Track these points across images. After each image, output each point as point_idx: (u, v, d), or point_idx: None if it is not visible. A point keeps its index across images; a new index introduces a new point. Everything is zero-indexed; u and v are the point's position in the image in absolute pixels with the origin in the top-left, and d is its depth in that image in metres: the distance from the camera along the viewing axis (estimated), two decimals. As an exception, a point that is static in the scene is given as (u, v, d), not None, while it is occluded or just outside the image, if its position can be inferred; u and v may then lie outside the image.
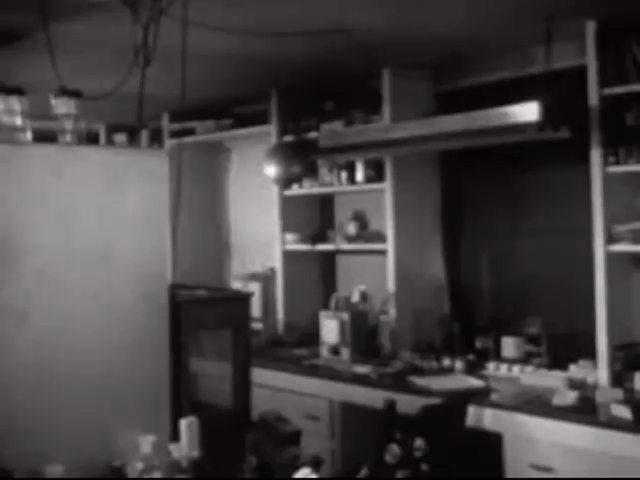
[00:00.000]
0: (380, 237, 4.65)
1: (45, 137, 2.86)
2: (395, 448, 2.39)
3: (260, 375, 3.73)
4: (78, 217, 2.71)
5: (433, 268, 4.71)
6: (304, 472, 2.40)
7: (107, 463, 2.59)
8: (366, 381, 4.09)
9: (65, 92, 2.87)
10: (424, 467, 2.35)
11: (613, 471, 2.99)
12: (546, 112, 3.36)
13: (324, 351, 4.63)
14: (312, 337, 4.82)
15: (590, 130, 3.55)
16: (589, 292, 3.61)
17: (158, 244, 2.91)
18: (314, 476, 2.40)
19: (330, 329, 4.60)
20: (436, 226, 4.73)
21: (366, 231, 4.90)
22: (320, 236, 5.11)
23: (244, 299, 3.24)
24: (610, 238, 3.55)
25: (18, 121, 2.78)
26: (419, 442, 2.38)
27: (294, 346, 4.93)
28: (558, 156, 3.98)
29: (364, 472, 2.44)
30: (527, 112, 3.41)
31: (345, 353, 4.50)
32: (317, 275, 5.35)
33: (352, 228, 4.90)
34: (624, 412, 3.15)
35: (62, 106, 2.86)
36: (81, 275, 2.69)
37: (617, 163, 3.51)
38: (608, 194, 3.55)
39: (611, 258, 3.56)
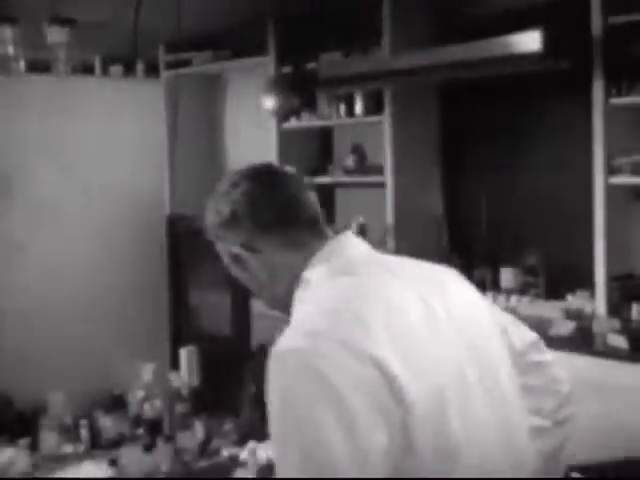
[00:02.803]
0: (379, 170, 4.62)
1: (39, 68, 2.82)
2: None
3: (259, 305, 3.74)
4: (74, 149, 2.70)
5: (432, 201, 4.70)
6: (303, 399, 2.42)
7: (108, 391, 2.62)
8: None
9: (59, 20, 2.83)
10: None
11: (610, 400, 3.02)
12: (548, 42, 3.30)
13: (322, 283, 4.63)
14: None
15: (592, 61, 3.50)
16: (588, 225, 3.61)
17: (155, 175, 2.91)
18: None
19: (327, 262, 4.60)
20: (435, 159, 4.69)
21: (365, 164, 4.87)
22: (319, 169, 5.08)
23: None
24: (610, 170, 3.53)
25: (10, 50, 2.75)
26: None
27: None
28: (559, 91, 3.93)
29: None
30: (529, 42, 3.36)
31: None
32: (316, 208, 5.33)
33: (351, 161, 4.87)
34: (620, 342, 3.18)
35: (56, 34, 2.82)
36: (78, 207, 2.69)
37: (619, 95, 3.47)
38: (609, 126, 3.51)
39: (610, 190, 3.55)
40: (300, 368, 1.39)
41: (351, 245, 1.62)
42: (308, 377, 1.37)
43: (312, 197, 1.65)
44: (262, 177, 1.66)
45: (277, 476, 1.40)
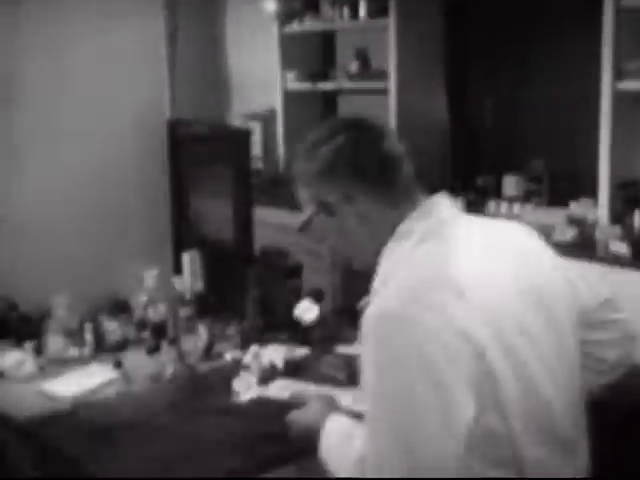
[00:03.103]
0: (383, 75, 4.55)
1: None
2: (395, 280, 2.41)
3: (261, 213, 3.73)
4: (72, 54, 2.64)
5: (436, 109, 4.64)
6: (305, 304, 2.45)
7: (112, 296, 2.64)
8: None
9: None
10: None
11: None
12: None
13: (325, 189, 4.62)
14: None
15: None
16: (593, 132, 3.57)
17: (156, 79, 2.86)
18: (315, 308, 2.45)
19: (331, 168, 4.57)
20: (440, 66, 4.61)
21: (369, 69, 4.79)
22: (321, 75, 5.00)
23: (244, 135, 3.20)
24: (618, 75, 3.47)
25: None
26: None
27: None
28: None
29: (365, 301, 2.47)
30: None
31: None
32: (318, 115, 5.27)
33: (354, 66, 4.78)
34: (622, 248, 3.18)
35: None
36: (78, 112, 2.65)
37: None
38: (618, 31, 3.43)
39: (618, 96, 3.49)
40: (396, 334, 1.41)
41: (445, 208, 1.63)
42: (403, 344, 1.41)
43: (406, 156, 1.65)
44: (365, 128, 1.65)
45: (368, 433, 1.45)
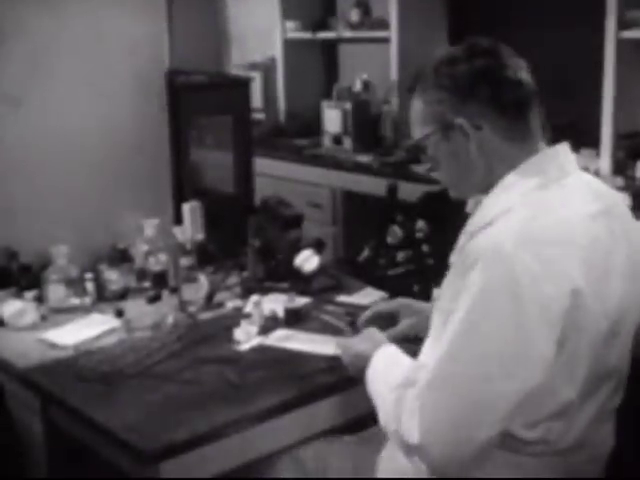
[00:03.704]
0: (384, 24, 4.50)
1: None
2: (396, 230, 2.41)
3: (262, 164, 3.72)
4: (70, 2, 2.60)
5: (438, 57, 4.59)
6: (306, 254, 2.44)
7: (112, 245, 2.63)
8: (368, 169, 4.10)
9: None
10: (425, 248, 2.39)
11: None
12: None
13: (326, 141, 4.60)
14: (314, 127, 4.78)
15: None
16: (596, 81, 3.54)
17: (154, 28, 2.82)
18: (316, 257, 2.45)
19: (332, 119, 4.55)
20: (442, 15, 4.55)
21: (369, 18, 4.73)
22: (321, 24, 4.94)
23: (244, 84, 3.17)
24: (622, 24, 3.42)
25: None
26: (420, 224, 2.40)
27: (296, 136, 4.89)
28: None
29: (366, 253, 2.48)
30: None
31: (347, 142, 4.48)
32: (319, 65, 5.23)
33: (355, 15, 4.72)
34: (625, 200, 3.17)
35: None
36: (74, 59, 2.61)
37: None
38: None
39: (621, 45, 3.45)
40: (502, 273, 1.42)
41: (567, 158, 1.61)
42: (504, 284, 1.41)
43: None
44: (504, 56, 1.60)
45: (440, 354, 1.47)
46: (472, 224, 1.57)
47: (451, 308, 1.49)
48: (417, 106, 1.63)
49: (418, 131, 1.64)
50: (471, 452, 1.45)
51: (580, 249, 1.47)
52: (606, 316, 1.51)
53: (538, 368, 1.43)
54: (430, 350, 1.61)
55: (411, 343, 1.87)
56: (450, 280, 1.57)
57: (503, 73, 1.56)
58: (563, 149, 1.62)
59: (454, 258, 1.62)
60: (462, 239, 1.60)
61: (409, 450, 1.48)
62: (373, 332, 1.86)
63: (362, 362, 1.73)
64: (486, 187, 1.58)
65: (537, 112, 1.61)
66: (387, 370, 1.65)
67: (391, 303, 2.10)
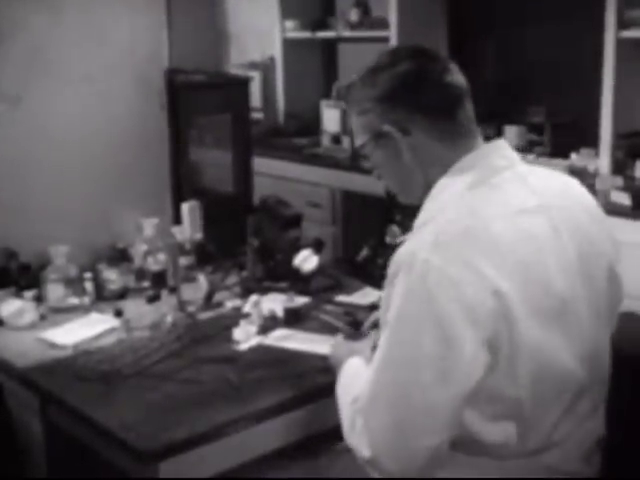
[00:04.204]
0: (383, 24, 4.49)
1: None
2: (395, 229, 2.41)
3: (261, 164, 3.72)
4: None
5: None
6: (305, 253, 2.44)
7: (111, 245, 2.63)
8: (367, 169, 4.09)
9: None
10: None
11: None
12: None
13: (325, 140, 4.60)
14: (313, 126, 4.78)
15: None
16: (595, 81, 3.54)
17: (153, 26, 2.82)
18: (315, 257, 2.45)
19: (331, 118, 4.55)
20: (440, 14, 4.55)
21: (369, 17, 4.73)
22: (321, 23, 4.94)
23: (243, 83, 3.17)
24: (622, 24, 3.43)
25: None
26: (419, 223, 2.40)
27: (295, 135, 4.90)
28: None
29: (365, 253, 2.48)
30: None
31: (346, 142, 4.48)
32: (318, 64, 5.23)
33: (354, 14, 4.72)
34: (623, 198, 3.18)
35: None
36: (74, 57, 2.61)
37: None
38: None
39: (621, 44, 3.45)
40: (421, 280, 1.40)
41: (502, 155, 1.57)
42: (424, 291, 1.40)
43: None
44: (429, 58, 1.58)
45: (371, 372, 1.48)
46: (411, 231, 1.57)
47: (385, 319, 1.49)
48: (352, 116, 1.65)
49: (357, 140, 1.66)
50: (422, 459, 1.43)
51: (502, 249, 1.43)
52: (545, 314, 1.46)
53: (470, 370, 1.40)
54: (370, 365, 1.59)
55: None
56: (384, 291, 1.54)
57: (427, 76, 1.56)
58: (498, 145, 1.60)
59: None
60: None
61: (365, 463, 1.48)
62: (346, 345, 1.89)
63: (336, 365, 1.77)
64: (427, 190, 1.58)
65: (469, 111, 1.59)
66: (347, 384, 1.66)
67: None
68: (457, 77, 1.59)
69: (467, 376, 1.40)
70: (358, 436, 1.47)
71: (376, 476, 1.50)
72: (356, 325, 2.18)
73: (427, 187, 1.57)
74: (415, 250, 1.42)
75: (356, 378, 1.65)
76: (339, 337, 1.98)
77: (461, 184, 1.52)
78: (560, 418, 1.53)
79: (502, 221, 1.46)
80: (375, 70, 1.58)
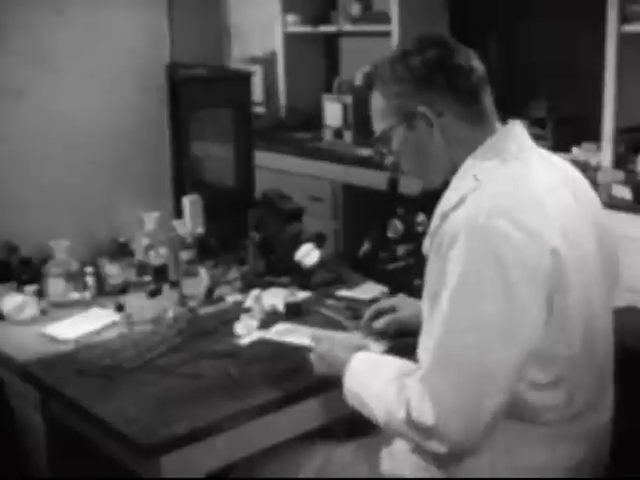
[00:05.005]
0: (385, 18, 4.49)
1: None
2: (397, 223, 2.41)
3: (263, 158, 3.72)
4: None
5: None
6: (306, 248, 2.44)
7: (112, 239, 2.63)
8: (368, 163, 4.09)
9: None
10: (425, 242, 2.38)
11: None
12: None
13: (327, 134, 4.60)
14: (315, 121, 4.77)
15: None
16: (597, 75, 3.53)
17: (155, 21, 2.81)
18: (316, 251, 2.45)
19: (333, 113, 4.55)
20: (443, 8, 4.54)
21: (370, 12, 4.72)
22: (322, 17, 4.93)
23: (244, 78, 3.17)
24: (624, 18, 3.42)
25: None
26: (421, 217, 2.39)
27: (296, 130, 4.89)
28: None
29: (366, 247, 2.48)
30: None
31: (348, 136, 4.48)
32: (319, 58, 5.22)
33: (355, 8, 4.72)
34: (625, 192, 3.17)
35: None
36: (76, 52, 2.61)
37: None
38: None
39: (623, 39, 3.45)
40: (483, 247, 1.47)
41: (522, 134, 1.68)
42: (488, 257, 1.46)
43: None
44: (455, 46, 1.68)
45: (438, 334, 1.51)
46: (441, 207, 1.62)
47: (437, 291, 1.53)
48: (377, 101, 1.70)
49: (381, 125, 1.70)
50: (485, 423, 1.48)
51: (552, 213, 1.52)
52: (585, 279, 1.55)
53: (533, 330, 1.47)
54: (425, 337, 1.62)
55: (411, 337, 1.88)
56: (431, 265, 1.60)
57: (455, 61, 1.64)
58: (517, 126, 1.69)
59: (428, 243, 1.66)
60: (433, 223, 1.64)
61: (425, 435, 1.49)
62: (350, 338, 1.97)
63: (334, 365, 1.78)
64: (452, 172, 1.65)
65: (489, 95, 1.68)
66: (373, 371, 1.68)
67: (390, 300, 2.17)
68: (478, 63, 1.68)
69: (531, 335, 1.47)
70: (418, 404, 1.49)
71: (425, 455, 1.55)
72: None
73: (451, 169, 1.65)
74: (473, 217, 1.48)
75: (382, 363, 1.69)
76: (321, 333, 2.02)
77: (493, 160, 1.60)
78: (598, 380, 1.61)
79: (544, 191, 1.56)
80: (404, 55, 1.65)
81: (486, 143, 1.63)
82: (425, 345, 1.60)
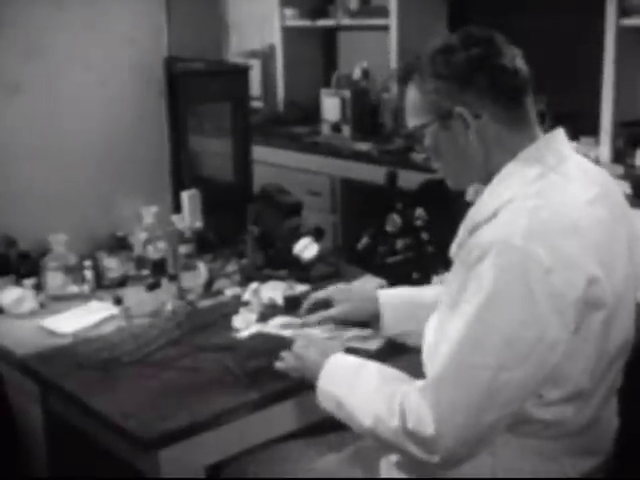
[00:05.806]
0: (383, 12, 4.48)
1: None
2: (395, 217, 2.40)
3: (261, 152, 3.71)
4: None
5: (437, 45, 4.57)
6: (305, 241, 2.44)
7: (110, 233, 2.63)
8: (367, 157, 4.09)
9: None
10: (424, 236, 2.38)
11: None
12: None
13: (325, 129, 4.59)
14: (313, 115, 4.77)
15: None
16: (596, 69, 3.53)
17: (153, 15, 2.81)
18: (315, 245, 2.45)
19: (331, 107, 4.54)
20: (442, 2, 4.54)
21: (368, 5, 4.72)
22: (321, 11, 4.92)
23: (243, 72, 3.16)
24: (622, 11, 3.41)
25: None
26: (419, 212, 2.39)
27: (294, 124, 4.89)
28: None
29: (365, 241, 2.47)
30: None
31: (346, 130, 4.47)
32: (318, 52, 5.21)
33: (354, 2, 4.71)
34: (624, 187, 3.16)
35: None
36: (73, 45, 2.60)
37: None
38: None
39: (622, 32, 3.44)
40: (514, 267, 1.42)
41: (565, 144, 1.60)
42: (517, 277, 1.42)
43: None
44: (499, 44, 1.59)
45: (451, 348, 1.48)
46: (473, 216, 1.56)
47: (457, 300, 1.49)
48: (413, 96, 1.61)
49: (414, 121, 1.62)
50: (483, 436, 1.47)
51: (588, 235, 1.47)
52: (615, 300, 1.52)
53: (553, 353, 1.44)
54: (433, 345, 1.61)
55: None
56: (455, 274, 1.57)
57: (500, 61, 1.55)
58: (560, 135, 1.61)
59: (455, 250, 1.63)
60: (463, 231, 1.59)
61: (419, 444, 1.47)
62: (322, 342, 1.90)
63: (309, 367, 1.77)
64: (485, 176, 1.58)
65: (532, 99, 1.60)
66: (352, 375, 1.65)
67: (326, 290, 2.12)
68: (523, 64, 1.60)
69: (547, 358, 1.44)
70: (418, 413, 1.46)
71: (394, 472, 1.55)
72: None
73: (486, 172, 1.58)
74: (509, 235, 1.44)
75: (360, 368, 1.66)
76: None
77: (532, 172, 1.53)
78: (605, 396, 1.60)
79: (581, 208, 1.51)
80: (446, 50, 1.56)
81: (526, 150, 1.55)
82: (430, 352, 1.59)
